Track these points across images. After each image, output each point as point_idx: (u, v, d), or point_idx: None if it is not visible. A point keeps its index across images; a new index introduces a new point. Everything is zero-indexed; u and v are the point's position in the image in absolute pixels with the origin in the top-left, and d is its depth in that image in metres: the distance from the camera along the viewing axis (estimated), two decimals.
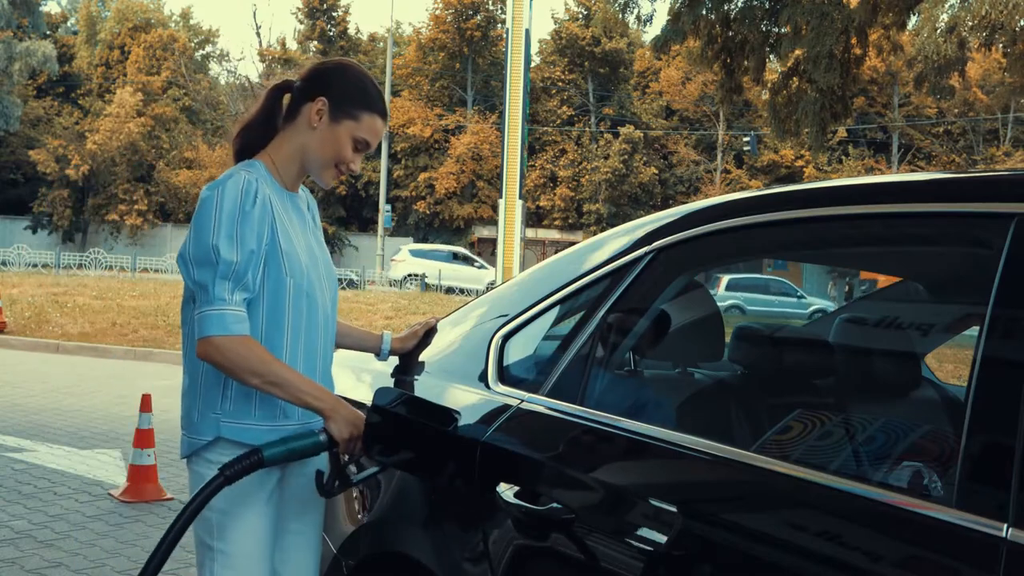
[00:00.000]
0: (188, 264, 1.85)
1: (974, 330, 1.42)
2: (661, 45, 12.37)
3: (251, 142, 2.01)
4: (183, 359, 2.00)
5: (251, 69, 74.17)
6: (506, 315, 2.05)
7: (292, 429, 1.92)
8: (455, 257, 30.44)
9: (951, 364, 2.70)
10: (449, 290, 26.83)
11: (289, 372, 1.86)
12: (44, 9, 41.87)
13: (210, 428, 1.91)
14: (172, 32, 44.38)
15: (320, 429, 1.88)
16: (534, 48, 38.80)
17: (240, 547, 1.91)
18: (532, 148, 38.49)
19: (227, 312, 1.82)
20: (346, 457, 1.93)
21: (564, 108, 42.02)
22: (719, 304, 2.16)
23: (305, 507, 2.06)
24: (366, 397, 2.19)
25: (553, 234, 40.91)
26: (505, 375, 1.97)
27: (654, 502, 1.56)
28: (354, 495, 2.18)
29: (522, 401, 1.87)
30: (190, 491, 1.95)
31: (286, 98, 2.01)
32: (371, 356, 2.26)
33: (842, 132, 36.55)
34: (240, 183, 1.86)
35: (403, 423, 2.08)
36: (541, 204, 40.77)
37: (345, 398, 2.30)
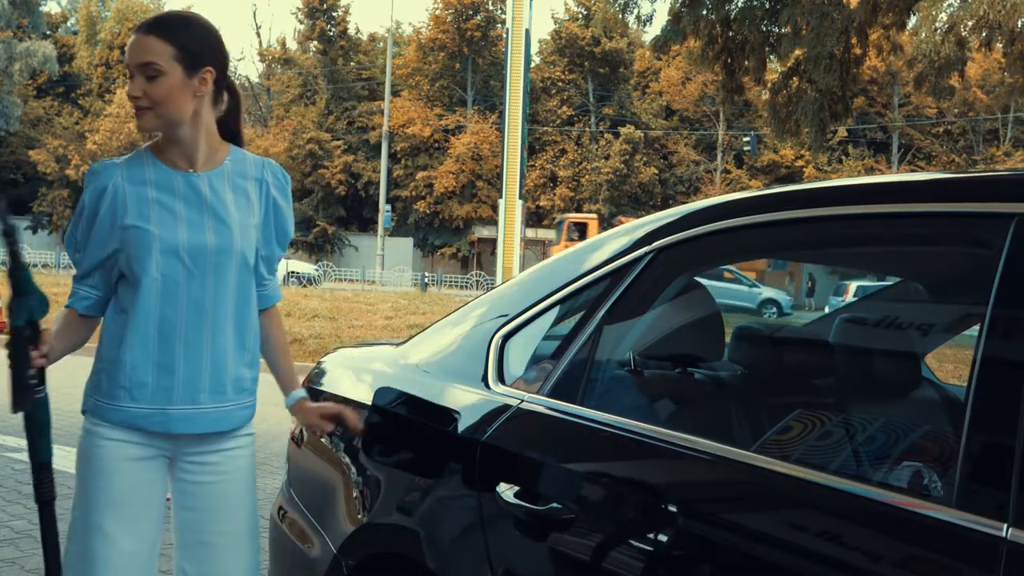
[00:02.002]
0: None
1: (974, 330, 1.42)
2: (661, 45, 12.38)
3: None
4: None
5: (251, 69, 74.29)
6: (506, 315, 2.05)
7: (136, 412, 1.93)
8: None
9: (951, 364, 2.70)
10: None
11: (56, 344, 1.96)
12: (44, 9, 41.84)
13: (86, 400, 2.04)
14: None
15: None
16: (534, 48, 38.80)
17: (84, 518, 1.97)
18: (532, 148, 38.48)
19: (73, 288, 2.03)
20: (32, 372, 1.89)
21: (564, 108, 42.02)
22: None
23: (217, 515, 2.01)
24: (366, 397, 2.19)
25: (553, 234, 40.91)
26: (505, 375, 1.97)
27: (654, 502, 1.56)
28: (354, 495, 2.18)
29: (522, 401, 1.87)
30: None
31: None
32: (371, 356, 2.26)
33: (842, 132, 36.54)
34: (87, 176, 1.98)
35: (403, 423, 2.08)
36: (541, 204, 40.76)
37: (345, 398, 2.30)
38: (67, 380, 2.00)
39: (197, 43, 1.93)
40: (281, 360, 2.22)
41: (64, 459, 2.12)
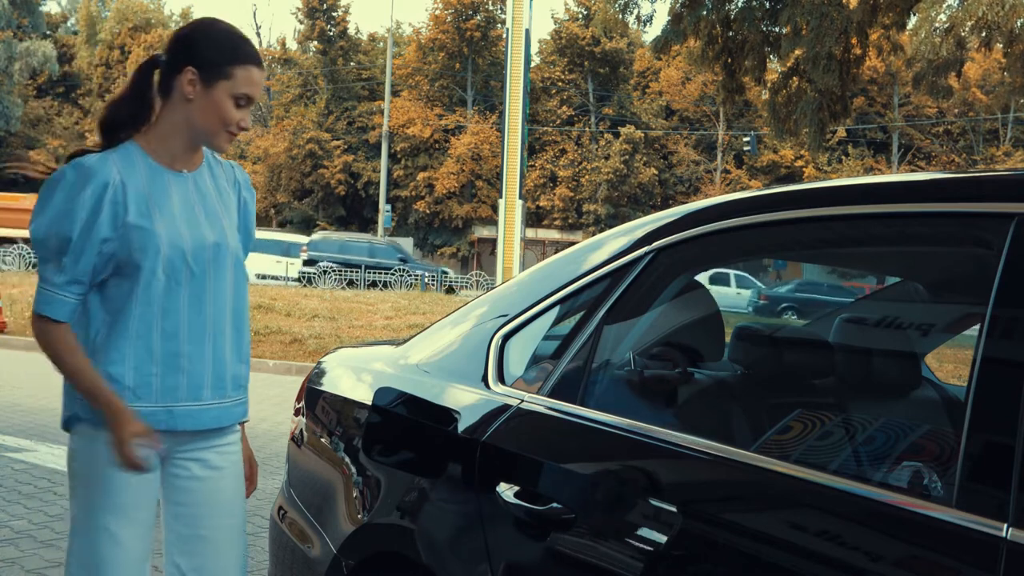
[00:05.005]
0: (32, 239, 1.91)
1: (974, 330, 1.42)
2: (661, 46, 12.39)
3: (121, 119, 1.97)
4: None
5: None
6: (506, 315, 2.05)
7: (142, 411, 1.89)
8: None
9: (951, 364, 2.70)
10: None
11: (78, 366, 1.87)
12: (44, 9, 41.86)
13: (72, 402, 1.95)
14: (172, 32, 44.37)
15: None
16: (534, 48, 38.82)
17: (85, 512, 1.94)
18: (532, 148, 38.49)
19: (48, 293, 1.88)
20: None
21: (564, 108, 42.01)
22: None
23: (212, 509, 2.01)
24: (366, 397, 2.19)
25: (553, 234, 40.90)
26: (505, 375, 1.97)
27: (654, 502, 1.56)
28: (354, 495, 2.18)
29: (522, 401, 1.87)
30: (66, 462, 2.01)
31: (156, 74, 1.98)
32: (371, 356, 2.26)
33: (842, 132, 36.56)
34: (80, 171, 1.86)
35: (403, 423, 2.08)
36: (541, 204, 40.77)
37: (345, 398, 2.30)
38: (56, 378, 1.97)
39: None
40: None
41: (64, 459, 2.11)
